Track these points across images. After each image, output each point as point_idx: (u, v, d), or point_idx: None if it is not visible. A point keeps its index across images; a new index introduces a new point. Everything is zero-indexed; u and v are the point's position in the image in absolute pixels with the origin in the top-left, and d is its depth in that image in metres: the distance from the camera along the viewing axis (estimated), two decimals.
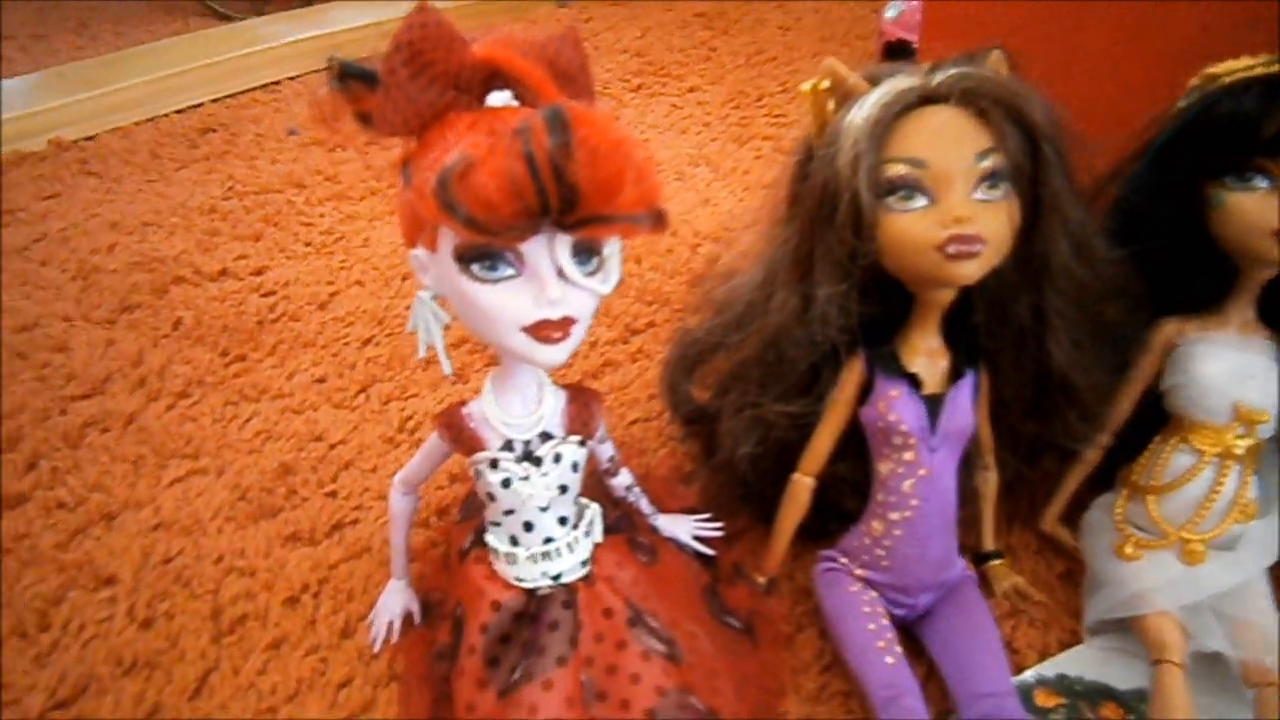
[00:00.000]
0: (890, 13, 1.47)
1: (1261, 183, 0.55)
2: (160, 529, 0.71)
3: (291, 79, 1.50)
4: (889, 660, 0.55)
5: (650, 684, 0.52)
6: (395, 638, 0.62)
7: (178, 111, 1.38)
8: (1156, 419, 0.63)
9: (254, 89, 1.45)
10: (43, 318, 0.94)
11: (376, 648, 0.61)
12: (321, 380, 0.86)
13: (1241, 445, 0.59)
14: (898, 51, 1.54)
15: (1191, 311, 0.61)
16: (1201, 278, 0.60)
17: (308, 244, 1.06)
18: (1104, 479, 0.67)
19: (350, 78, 0.50)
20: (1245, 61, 0.57)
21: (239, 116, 1.37)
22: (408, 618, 0.62)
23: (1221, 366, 0.59)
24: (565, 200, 0.42)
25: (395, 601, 0.62)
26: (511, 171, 0.42)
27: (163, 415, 0.81)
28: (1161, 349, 0.62)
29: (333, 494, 0.74)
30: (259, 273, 1.01)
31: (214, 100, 1.41)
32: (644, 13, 1.77)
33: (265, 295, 0.98)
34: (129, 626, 0.63)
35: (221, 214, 1.12)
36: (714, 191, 1.17)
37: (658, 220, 0.46)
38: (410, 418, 0.81)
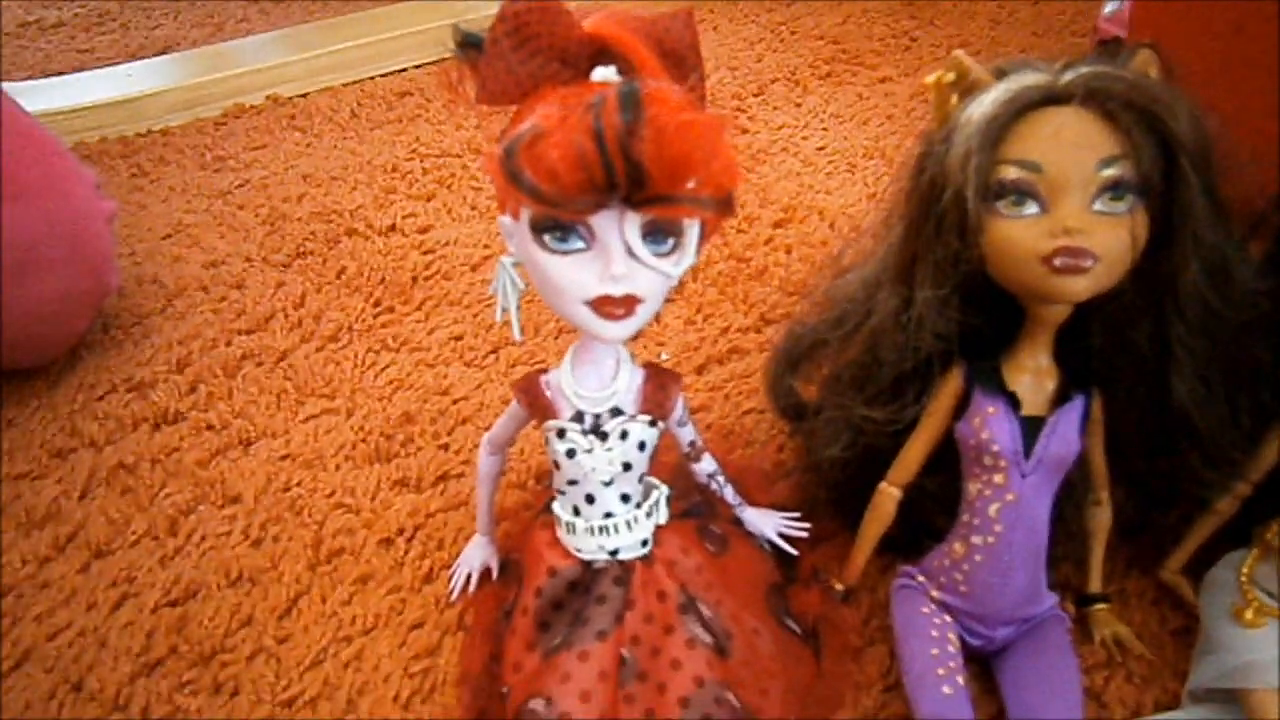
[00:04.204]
0: (1108, 8, 1.37)
1: None
2: (287, 459, 0.76)
3: None
4: (946, 690, 0.52)
5: (690, 673, 0.51)
6: (471, 590, 0.64)
7: (382, 75, 1.46)
8: None
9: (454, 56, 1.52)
10: (229, 256, 1.03)
11: (453, 596, 0.64)
12: (458, 338, 0.90)
13: None
14: (1111, 52, 1.43)
15: None
16: None
17: (473, 208, 1.11)
18: (1242, 534, 0.60)
19: (469, 46, 0.52)
20: None
21: (436, 83, 1.43)
22: (485, 573, 0.64)
23: None
24: (631, 178, 0.42)
25: (476, 556, 0.65)
26: (579, 145, 0.42)
27: (311, 356, 0.87)
28: None
29: (445, 446, 0.77)
30: (424, 231, 1.06)
31: (416, 66, 1.49)
32: None
33: (425, 253, 1.02)
34: (242, 543, 0.69)
35: (401, 173, 1.18)
36: (882, 186, 1.13)
37: (724, 206, 0.45)
38: None
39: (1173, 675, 0.58)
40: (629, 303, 0.47)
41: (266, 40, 1.52)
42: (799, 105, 1.36)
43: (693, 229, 0.48)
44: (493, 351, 0.88)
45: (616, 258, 0.45)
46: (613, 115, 0.42)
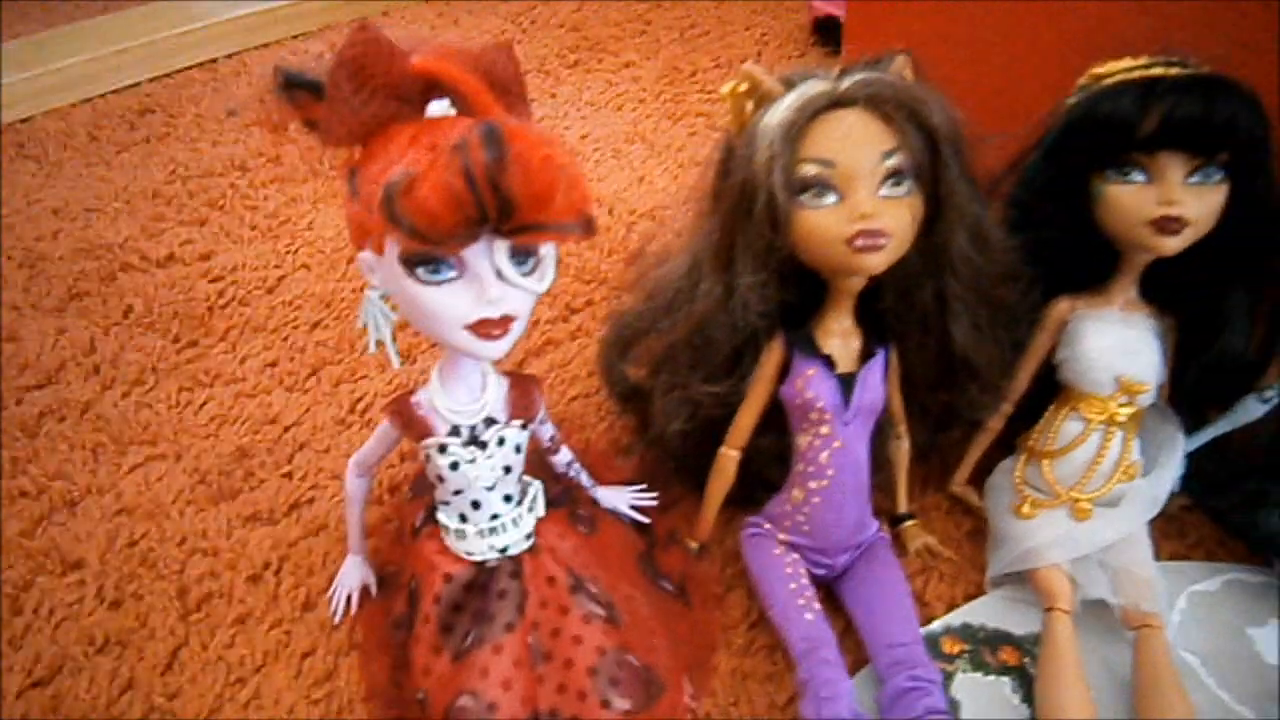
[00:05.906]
0: None
1: (1138, 177, 0.60)
2: (123, 514, 0.74)
3: (228, 57, 1.50)
4: (808, 616, 0.61)
5: (591, 644, 0.57)
6: (354, 609, 0.66)
7: (114, 91, 1.37)
8: (1054, 390, 0.69)
9: (191, 67, 1.45)
10: None
11: (337, 619, 0.66)
12: (273, 364, 0.89)
13: (1124, 413, 0.65)
14: (827, 27, 1.58)
15: (1081, 291, 0.67)
16: (1089, 261, 0.66)
17: (253, 228, 1.09)
18: (1009, 445, 0.73)
19: (295, 87, 0.54)
20: (1126, 63, 0.62)
21: (177, 96, 1.37)
22: (365, 590, 0.67)
23: (1106, 341, 0.65)
24: (502, 210, 0.46)
25: (353, 575, 0.67)
26: (452, 186, 0.45)
27: (119, 402, 0.84)
28: (1055, 325, 0.68)
29: (289, 475, 0.77)
30: (206, 258, 1.03)
31: (151, 80, 1.41)
32: None
33: (213, 280, 1.00)
34: (99, 608, 0.67)
35: (165, 198, 1.13)
36: (649, 169, 1.21)
37: (587, 227, 0.50)
38: (360, 399, 0.85)
39: (974, 569, 0.70)
40: (505, 322, 0.51)
41: None
42: (554, 95, 1.41)
43: (549, 247, 0.52)
44: (312, 374, 0.88)
45: (490, 283, 0.49)
46: (479, 154, 0.45)
